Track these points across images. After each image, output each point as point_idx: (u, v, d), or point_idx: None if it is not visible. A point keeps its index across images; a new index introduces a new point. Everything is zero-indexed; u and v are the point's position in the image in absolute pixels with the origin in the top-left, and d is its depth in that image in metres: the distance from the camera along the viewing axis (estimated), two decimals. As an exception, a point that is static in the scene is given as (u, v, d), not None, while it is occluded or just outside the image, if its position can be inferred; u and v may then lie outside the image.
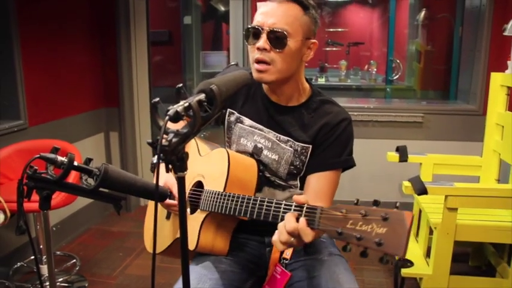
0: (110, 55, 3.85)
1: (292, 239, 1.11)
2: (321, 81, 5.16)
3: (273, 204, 1.24)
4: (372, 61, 5.34)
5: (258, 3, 3.46)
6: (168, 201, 1.50)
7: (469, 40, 3.75)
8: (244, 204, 1.32)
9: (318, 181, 1.46)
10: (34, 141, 2.89)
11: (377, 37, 6.32)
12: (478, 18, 3.56)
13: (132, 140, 4.00)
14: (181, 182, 0.93)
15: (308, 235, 1.09)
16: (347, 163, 1.49)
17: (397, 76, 5.03)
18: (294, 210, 1.14)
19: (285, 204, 1.18)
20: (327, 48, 5.65)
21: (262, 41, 1.39)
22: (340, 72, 5.30)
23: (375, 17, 6.42)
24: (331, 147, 1.47)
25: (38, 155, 1.11)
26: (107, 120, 3.95)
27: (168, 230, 1.63)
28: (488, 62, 3.47)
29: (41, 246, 2.81)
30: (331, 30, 5.96)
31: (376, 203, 1.00)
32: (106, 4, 3.75)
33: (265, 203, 1.27)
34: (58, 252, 3.22)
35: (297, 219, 1.11)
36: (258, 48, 1.40)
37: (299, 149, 1.50)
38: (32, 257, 3.00)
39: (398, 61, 4.99)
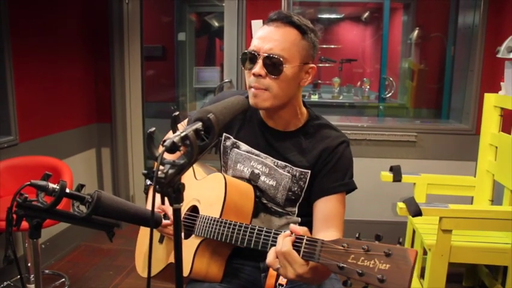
0: (103, 70, 3.83)
1: (279, 263, 1.11)
2: (314, 98, 5.17)
3: (271, 234, 1.25)
4: (365, 78, 5.36)
5: (253, 22, 3.49)
6: (163, 221, 1.48)
7: (461, 60, 3.77)
8: (241, 232, 1.33)
9: (325, 206, 1.44)
10: (25, 157, 2.85)
11: (370, 54, 6.35)
12: (470, 38, 3.58)
13: (124, 156, 3.96)
14: (177, 214, 0.91)
15: (302, 266, 1.08)
16: (350, 186, 1.47)
17: (390, 94, 5.05)
18: (295, 242, 1.11)
19: (290, 233, 1.16)
20: (320, 65, 5.66)
21: (258, 67, 1.37)
22: (333, 89, 5.31)
23: (367, 34, 6.46)
24: (333, 172, 1.45)
25: (29, 182, 1.07)
26: (99, 136, 3.91)
27: (160, 254, 1.61)
28: (480, 82, 3.48)
29: (29, 264, 2.75)
30: (324, 46, 5.99)
31: (378, 237, 0.98)
32: (99, 19, 3.74)
33: (262, 232, 1.27)
34: (47, 271, 3.15)
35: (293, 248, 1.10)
36: (254, 74, 1.38)
37: (297, 174, 1.48)
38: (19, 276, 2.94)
39: (391, 79, 5.01)
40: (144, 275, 1.62)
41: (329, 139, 1.48)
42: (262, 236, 1.28)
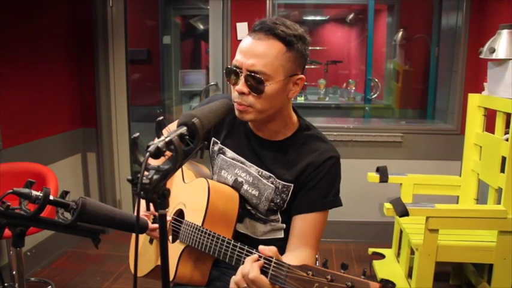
0: (88, 74, 3.79)
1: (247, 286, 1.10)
2: (300, 100, 5.18)
3: (244, 251, 1.24)
4: (350, 80, 5.38)
5: (238, 24, 3.48)
6: (150, 225, 1.47)
7: (445, 60, 3.81)
8: (219, 245, 1.32)
9: (303, 223, 1.40)
10: (8, 164, 2.80)
11: (355, 56, 6.39)
12: (454, 39, 3.62)
13: (110, 161, 3.93)
14: (162, 219, 0.90)
15: None
16: (333, 204, 1.43)
17: (376, 95, 5.08)
18: (264, 261, 1.11)
19: (258, 256, 1.15)
20: (305, 67, 5.65)
21: (241, 85, 1.32)
22: (319, 90, 5.32)
23: (352, 36, 6.49)
24: (316, 188, 1.40)
25: (11, 190, 1.05)
26: (84, 141, 3.87)
27: (150, 254, 1.62)
28: (464, 82, 3.52)
29: (14, 272, 2.71)
30: (310, 48, 5.98)
31: (343, 266, 0.99)
32: (83, 23, 3.70)
33: (236, 248, 1.26)
34: (33, 279, 3.11)
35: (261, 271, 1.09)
36: (237, 91, 1.33)
37: (280, 186, 1.44)
38: (5, 284, 2.90)
39: (376, 80, 5.04)
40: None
41: (316, 153, 1.42)
42: (236, 253, 1.26)
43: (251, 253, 1.17)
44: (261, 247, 1.13)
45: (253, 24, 1.37)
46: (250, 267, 1.10)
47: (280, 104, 1.39)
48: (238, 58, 1.34)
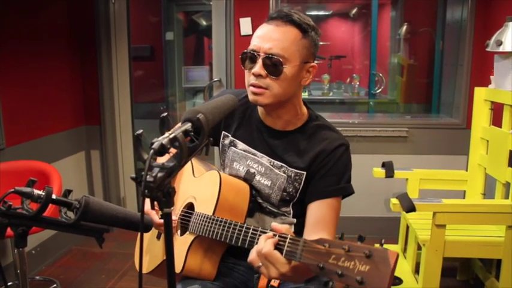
0: (91, 71, 3.78)
1: (262, 263, 1.10)
2: (304, 95, 5.15)
3: (258, 232, 1.24)
4: (354, 75, 5.35)
5: (241, 20, 3.46)
6: (157, 220, 1.47)
7: (451, 54, 3.77)
8: (231, 230, 1.32)
9: (318, 209, 1.41)
10: (12, 162, 2.79)
11: (359, 50, 6.35)
12: (459, 32, 3.58)
13: (113, 158, 3.92)
14: (167, 218, 0.88)
15: (284, 264, 1.07)
16: (346, 191, 1.44)
17: (380, 90, 5.05)
18: (279, 238, 1.09)
19: (273, 234, 1.14)
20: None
21: (258, 67, 1.35)
22: (323, 85, 5.29)
23: (356, 30, 6.46)
24: (328, 175, 1.42)
25: (13, 189, 1.04)
26: (88, 139, 3.86)
27: (157, 250, 1.61)
28: (470, 76, 3.49)
29: (18, 271, 2.70)
30: (315, 43, 5.97)
31: (360, 238, 0.96)
32: (86, 19, 3.68)
33: (250, 230, 1.26)
34: (38, 277, 3.11)
35: (276, 248, 1.09)
36: (254, 74, 1.36)
37: (293, 175, 1.45)
38: (9, 283, 2.89)
39: (381, 75, 5.01)
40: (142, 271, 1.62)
41: (327, 141, 1.44)
42: (250, 234, 1.27)
43: (265, 233, 1.17)
44: (273, 224, 1.13)
45: (269, 14, 1.42)
46: (264, 243, 1.09)
47: (293, 91, 1.42)
48: (256, 43, 1.37)
